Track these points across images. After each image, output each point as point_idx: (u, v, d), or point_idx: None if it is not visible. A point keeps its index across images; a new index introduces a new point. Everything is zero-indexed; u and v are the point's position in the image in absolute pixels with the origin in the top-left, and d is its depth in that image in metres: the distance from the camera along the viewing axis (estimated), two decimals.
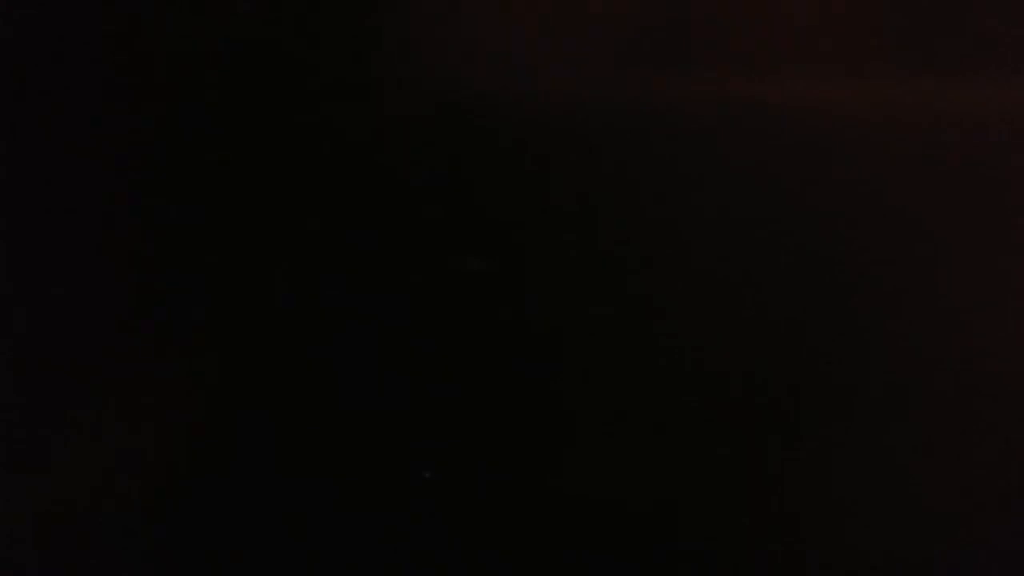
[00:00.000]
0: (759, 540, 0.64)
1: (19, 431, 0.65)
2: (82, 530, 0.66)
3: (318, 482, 0.65)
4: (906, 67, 0.63)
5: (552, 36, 0.64)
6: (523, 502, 0.64)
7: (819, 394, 0.64)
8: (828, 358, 0.63)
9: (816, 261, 0.63)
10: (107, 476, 0.66)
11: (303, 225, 0.64)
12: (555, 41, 0.64)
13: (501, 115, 0.64)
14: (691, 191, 0.63)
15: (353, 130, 0.64)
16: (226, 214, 0.64)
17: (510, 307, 0.64)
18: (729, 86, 0.63)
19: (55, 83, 0.64)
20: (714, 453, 0.64)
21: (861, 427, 0.64)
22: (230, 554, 0.65)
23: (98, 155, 0.64)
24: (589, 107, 0.64)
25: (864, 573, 0.64)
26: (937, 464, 0.64)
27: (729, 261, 0.63)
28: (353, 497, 0.65)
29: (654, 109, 0.63)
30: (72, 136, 0.64)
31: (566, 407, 0.65)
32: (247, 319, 0.65)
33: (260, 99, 0.64)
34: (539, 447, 0.65)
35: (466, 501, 0.65)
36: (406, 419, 0.64)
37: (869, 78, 0.63)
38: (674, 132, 0.63)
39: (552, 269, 0.64)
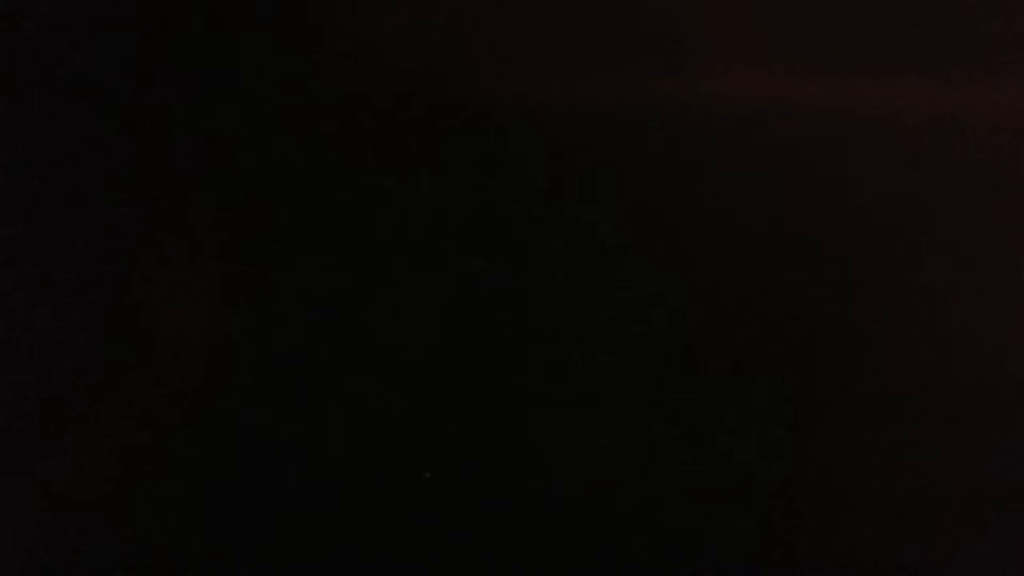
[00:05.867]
0: (760, 541, 0.65)
1: (17, 431, 0.65)
2: (79, 531, 0.66)
3: (319, 482, 0.65)
4: (914, 67, 0.63)
5: (550, 36, 0.64)
6: (526, 503, 0.65)
7: (826, 396, 0.64)
8: (833, 357, 0.64)
9: (823, 263, 0.63)
10: (106, 476, 0.66)
11: (304, 225, 0.64)
12: (553, 41, 0.64)
13: (501, 116, 0.64)
14: (695, 192, 0.63)
15: (354, 130, 0.64)
16: (229, 213, 0.64)
17: (512, 308, 0.64)
18: (731, 87, 0.63)
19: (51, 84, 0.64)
20: (718, 456, 0.64)
21: (870, 428, 0.64)
22: (230, 554, 0.65)
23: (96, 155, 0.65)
24: (590, 107, 0.64)
25: (865, 573, 0.64)
26: (936, 464, 0.64)
27: (736, 261, 0.63)
28: (354, 498, 0.65)
29: (657, 109, 0.63)
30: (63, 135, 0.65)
31: (568, 408, 0.65)
32: (247, 319, 0.65)
33: (259, 98, 0.64)
34: (541, 448, 0.65)
35: (467, 502, 0.65)
36: (407, 419, 0.65)
37: (874, 79, 0.63)
38: (676, 133, 0.63)
39: (555, 270, 0.64)
